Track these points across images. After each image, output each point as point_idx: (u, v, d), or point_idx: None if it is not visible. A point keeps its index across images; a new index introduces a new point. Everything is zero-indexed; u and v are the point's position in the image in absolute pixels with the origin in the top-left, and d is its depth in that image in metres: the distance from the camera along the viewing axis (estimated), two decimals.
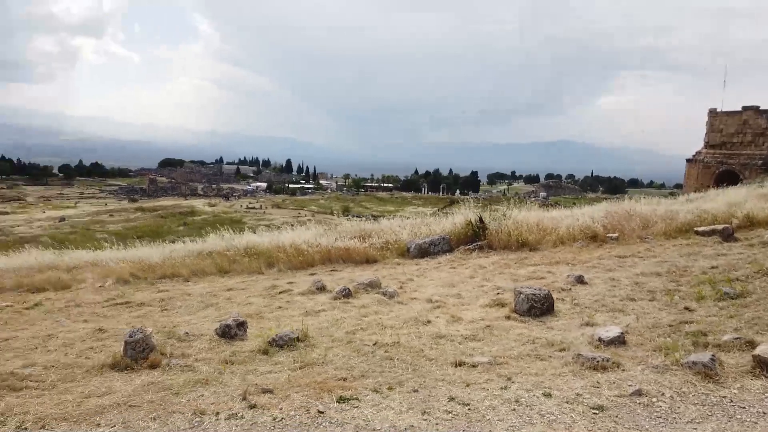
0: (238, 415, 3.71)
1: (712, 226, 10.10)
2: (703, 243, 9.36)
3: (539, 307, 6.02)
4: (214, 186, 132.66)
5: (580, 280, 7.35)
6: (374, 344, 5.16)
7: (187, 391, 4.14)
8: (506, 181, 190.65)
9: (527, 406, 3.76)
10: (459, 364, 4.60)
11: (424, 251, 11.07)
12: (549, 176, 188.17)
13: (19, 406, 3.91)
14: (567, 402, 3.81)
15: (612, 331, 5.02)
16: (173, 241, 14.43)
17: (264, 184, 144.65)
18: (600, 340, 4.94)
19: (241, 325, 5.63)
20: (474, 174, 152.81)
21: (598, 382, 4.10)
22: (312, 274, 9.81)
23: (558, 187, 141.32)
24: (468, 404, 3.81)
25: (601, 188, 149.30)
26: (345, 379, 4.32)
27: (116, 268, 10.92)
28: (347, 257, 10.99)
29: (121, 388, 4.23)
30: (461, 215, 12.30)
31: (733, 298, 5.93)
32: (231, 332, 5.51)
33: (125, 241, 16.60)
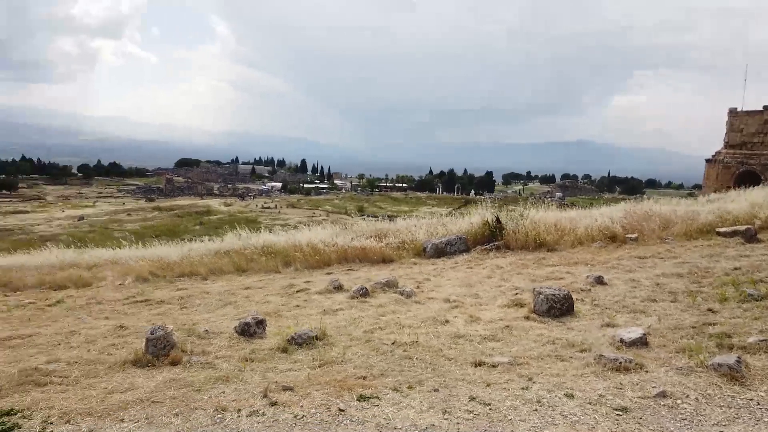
0: (260, 412, 3.72)
1: (734, 227, 9.95)
2: (725, 244, 9.23)
3: (559, 308, 5.97)
4: (229, 186, 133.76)
5: (599, 281, 7.27)
6: (393, 343, 5.15)
7: (208, 387, 4.17)
8: (521, 182, 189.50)
9: (549, 407, 3.72)
10: (479, 364, 4.58)
11: (441, 251, 11.04)
12: (565, 176, 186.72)
13: (44, 401, 3.97)
14: (589, 403, 3.77)
15: (634, 332, 4.95)
16: (190, 240, 14.56)
17: (279, 184, 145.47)
18: (622, 341, 4.88)
19: (260, 323, 5.66)
20: (489, 174, 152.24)
21: (620, 384, 4.05)
22: (329, 273, 9.84)
23: (574, 188, 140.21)
24: (489, 404, 3.79)
25: (618, 189, 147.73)
26: (365, 378, 4.31)
27: (135, 267, 11.06)
28: (363, 257, 11.01)
29: (144, 384, 4.28)
30: (477, 215, 12.25)
31: (757, 300, 5.83)
32: (250, 330, 5.54)
33: (143, 239, 16.80)
